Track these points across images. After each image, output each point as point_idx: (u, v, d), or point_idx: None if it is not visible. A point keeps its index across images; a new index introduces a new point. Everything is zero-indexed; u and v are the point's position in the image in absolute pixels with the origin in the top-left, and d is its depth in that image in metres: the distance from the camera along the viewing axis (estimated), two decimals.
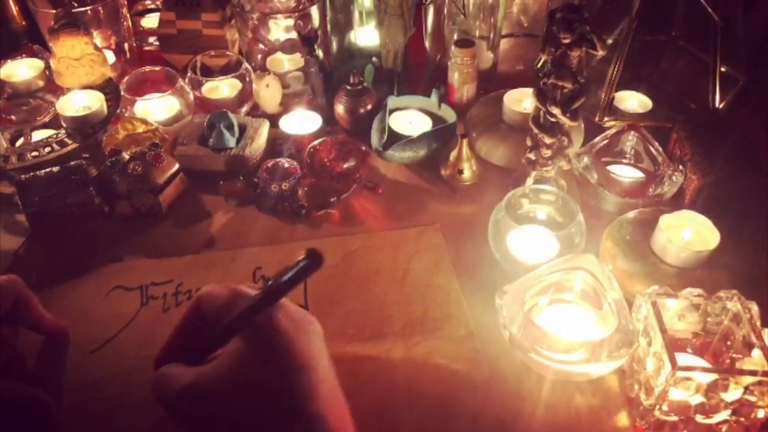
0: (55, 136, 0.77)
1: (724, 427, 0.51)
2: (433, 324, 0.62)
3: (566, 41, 0.60)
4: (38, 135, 0.79)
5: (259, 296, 0.43)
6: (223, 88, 0.89)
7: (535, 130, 0.67)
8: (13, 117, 0.82)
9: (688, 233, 0.62)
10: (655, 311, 0.52)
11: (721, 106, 0.80)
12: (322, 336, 0.46)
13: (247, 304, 0.43)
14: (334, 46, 0.94)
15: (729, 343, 0.54)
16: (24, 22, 1.03)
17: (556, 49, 0.61)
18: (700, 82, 0.81)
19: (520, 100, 0.82)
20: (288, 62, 0.93)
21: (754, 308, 0.52)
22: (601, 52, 0.60)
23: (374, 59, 0.90)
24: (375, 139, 0.80)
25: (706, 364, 0.54)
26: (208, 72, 0.92)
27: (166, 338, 0.48)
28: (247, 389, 0.41)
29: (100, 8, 0.91)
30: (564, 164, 0.70)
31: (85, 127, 0.78)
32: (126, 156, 0.73)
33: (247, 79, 0.88)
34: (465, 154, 0.76)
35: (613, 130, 0.76)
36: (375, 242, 0.71)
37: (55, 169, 0.72)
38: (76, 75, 0.80)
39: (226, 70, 0.92)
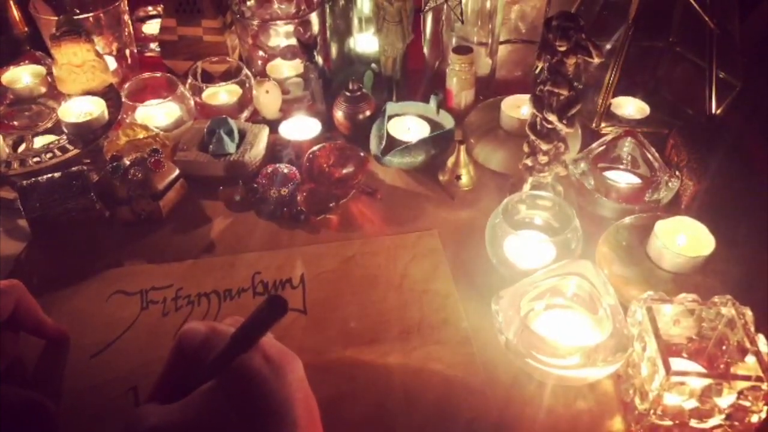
0: (56, 141, 0.77)
1: None
2: (431, 329, 0.62)
3: (562, 49, 0.60)
4: (40, 141, 0.79)
5: (226, 347, 0.41)
6: (223, 94, 0.89)
7: (532, 137, 0.68)
8: (15, 123, 0.83)
9: (684, 239, 0.63)
10: (649, 316, 0.53)
11: (717, 112, 0.81)
12: (302, 373, 0.44)
13: (218, 354, 0.42)
14: (334, 52, 0.95)
15: (723, 348, 0.54)
16: (26, 29, 1.04)
17: (552, 56, 0.62)
18: (698, 88, 0.82)
19: (518, 107, 0.83)
20: (288, 68, 0.93)
21: (749, 314, 0.53)
22: (596, 60, 0.60)
23: (373, 65, 0.91)
24: (374, 145, 0.80)
25: (701, 369, 0.55)
26: (209, 78, 0.93)
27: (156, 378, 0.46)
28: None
29: (102, 15, 0.92)
30: (561, 170, 0.70)
31: (86, 133, 0.78)
32: (127, 162, 0.74)
33: (247, 85, 0.89)
34: (463, 160, 0.76)
35: (610, 136, 0.76)
36: (373, 247, 0.71)
37: (57, 174, 0.73)
38: (78, 81, 0.81)
39: (226, 76, 0.92)
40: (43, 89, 0.86)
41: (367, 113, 0.84)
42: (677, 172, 0.72)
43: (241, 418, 0.40)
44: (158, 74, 0.89)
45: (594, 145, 0.76)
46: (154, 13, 1.11)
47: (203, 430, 0.40)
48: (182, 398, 0.42)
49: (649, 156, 0.74)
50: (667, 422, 0.51)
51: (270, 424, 0.40)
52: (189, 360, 0.44)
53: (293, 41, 0.88)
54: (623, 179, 0.74)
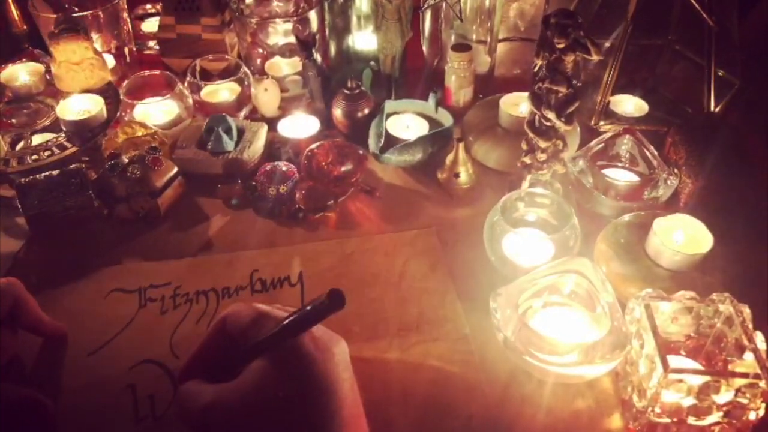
0: (55, 139, 0.77)
1: (716, 429, 0.51)
2: (429, 326, 0.62)
3: (560, 46, 0.60)
4: (38, 139, 0.79)
5: (281, 327, 0.43)
6: (222, 91, 0.89)
7: (531, 134, 0.68)
8: (13, 121, 0.82)
9: (682, 236, 0.63)
10: (647, 314, 0.53)
11: (716, 109, 0.81)
12: (347, 355, 0.47)
13: (271, 334, 0.43)
14: (333, 50, 0.95)
15: (721, 345, 0.54)
16: (25, 27, 1.04)
17: (551, 53, 0.62)
18: (696, 86, 0.82)
19: (517, 104, 0.82)
20: (286, 66, 0.93)
21: (746, 311, 0.53)
22: (595, 57, 0.60)
23: (372, 63, 0.91)
24: (372, 143, 0.80)
25: (698, 367, 0.55)
26: (207, 76, 0.92)
27: (191, 353, 0.48)
28: (268, 409, 0.41)
29: (101, 13, 0.91)
30: (559, 168, 0.70)
31: (84, 131, 0.78)
32: (125, 159, 0.74)
33: (246, 82, 0.89)
34: (461, 158, 0.76)
35: (609, 134, 0.76)
36: (371, 245, 0.71)
37: (55, 172, 0.73)
38: (76, 79, 0.81)
39: (225, 74, 0.92)
40: (42, 87, 0.86)
41: (366, 111, 0.84)
42: (676, 170, 0.72)
43: (292, 395, 0.42)
44: (157, 72, 0.89)
45: (592, 142, 0.76)
46: (153, 11, 1.11)
47: (257, 406, 0.41)
48: (227, 375, 0.43)
49: (648, 154, 0.74)
50: (665, 419, 0.51)
51: (319, 401, 0.42)
52: (233, 339, 0.46)
53: (292, 39, 0.88)
54: (622, 177, 0.74)
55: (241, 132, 0.81)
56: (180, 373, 0.47)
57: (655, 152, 0.74)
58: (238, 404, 0.42)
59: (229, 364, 0.44)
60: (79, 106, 0.80)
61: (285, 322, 0.43)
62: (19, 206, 0.71)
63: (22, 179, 0.72)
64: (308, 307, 0.43)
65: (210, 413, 0.42)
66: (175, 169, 0.76)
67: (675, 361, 0.53)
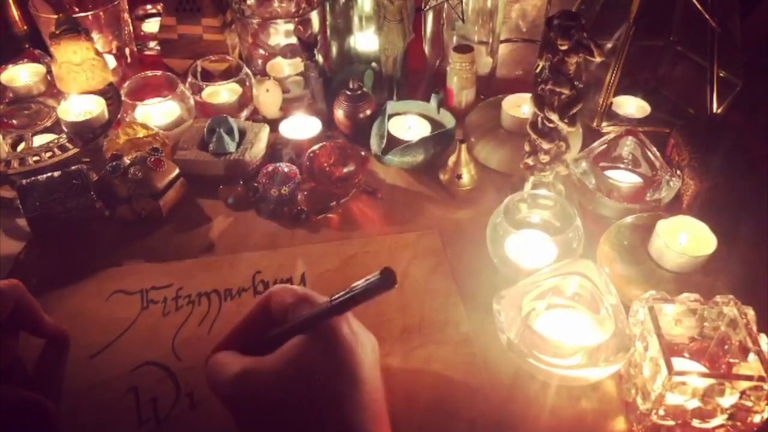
0: (56, 140, 0.77)
1: None
2: (431, 329, 0.62)
3: (563, 48, 0.60)
4: (39, 140, 0.79)
5: (329, 305, 0.44)
6: (224, 92, 0.89)
7: (533, 136, 0.68)
8: (14, 122, 0.82)
9: (685, 238, 0.63)
10: (651, 316, 0.52)
11: (719, 111, 0.81)
12: (377, 354, 0.47)
13: (317, 310, 0.44)
14: (334, 51, 0.95)
15: (726, 347, 0.54)
16: (25, 27, 1.04)
17: (554, 55, 0.61)
18: (698, 87, 0.82)
19: (519, 106, 0.82)
20: (288, 67, 0.93)
21: (751, 313, 0.53)
22: (598, 59, 0.60)
23: (374, 64, 0.91)
24: (374, 144, 0.80)
25: (703, 369, 0.55)
26: (209, 77, 0.92)
27: (231, 327, 0.48)
28: (299, 387, 0.41)
29: (101, 13, 0.91)
30: (562, 169, 0.70)
31: (86, 132, 0.78)
32: (126, 160, 0.73)
33: (248, 83, 0.89)
34: (464, 159, 0.76)
35: (611, 135, 0.76)
36: (374, 247, 0.71)
37: (56, 173, 0.72)
38: (78, 80, 0.81)
39: (226, 75, 0.92)
40: (43, 88, 0.86)
41: (368, 112, 0.84)
42: (678, 172, 0.72)
43: (329, 378, 0.42)
44: (158, 73, 0.89)
45: (595, 144, 0.76)
46: (154, 11, 1.11)
47: (288, 383, 0.41)
48: (262, 349, 0.44)
49: (650, 155, 0.74)
50: (669, 422, 0.51)
51: (355, 388, 0.42)
52: (273, 317, 0.46)
53: (293, 40, 0.88)
54: (624, 178, 0.74)
55: (242, 133, 0.81)
56: (216, 346, 0.47)
57: (658, 153, 0.73)
58: (270, 378, 0.42)
59: (268, 342, 0.44)
60: (81, 107, 0.80)
61: (335, 299, 0.43)
62: (20, 208, 0.71)
63: (23, 180, 0.72)
64: (359, 285, 0.43)
65: (240, 383, 0.42)
66: (177, 171, 0.76)
67: (679, 363, 0.53)
